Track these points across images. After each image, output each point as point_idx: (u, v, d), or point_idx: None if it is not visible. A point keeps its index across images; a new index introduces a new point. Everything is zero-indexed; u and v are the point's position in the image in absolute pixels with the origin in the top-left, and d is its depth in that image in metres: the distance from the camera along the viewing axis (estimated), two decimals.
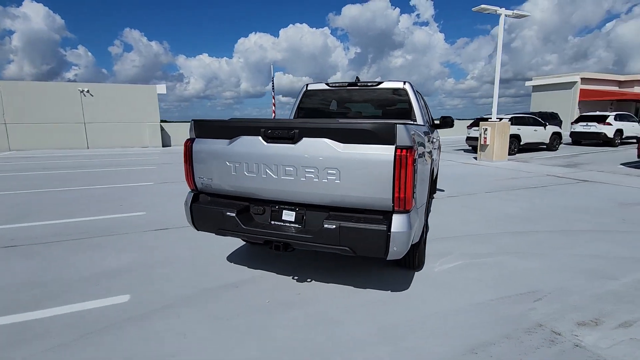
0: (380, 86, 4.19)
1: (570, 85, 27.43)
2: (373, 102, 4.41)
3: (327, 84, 4.43)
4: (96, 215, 5.23)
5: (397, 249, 2.34)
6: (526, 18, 11.98)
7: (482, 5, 10.99)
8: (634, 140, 16.74)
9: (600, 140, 15.88)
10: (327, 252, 3.04)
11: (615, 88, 28.70)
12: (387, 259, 2.42)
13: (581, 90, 26.91)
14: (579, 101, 26.94)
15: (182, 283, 3.09)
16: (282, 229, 2.65)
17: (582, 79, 27.01)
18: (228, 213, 2.72)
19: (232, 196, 2.85)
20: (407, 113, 4.06)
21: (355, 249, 2.42)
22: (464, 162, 11.70)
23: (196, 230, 3.02)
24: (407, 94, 4.08)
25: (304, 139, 2.46)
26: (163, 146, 18.73)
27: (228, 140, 2.72)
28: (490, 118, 11.95)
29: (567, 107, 27.10)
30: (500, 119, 11.94)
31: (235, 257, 3.65)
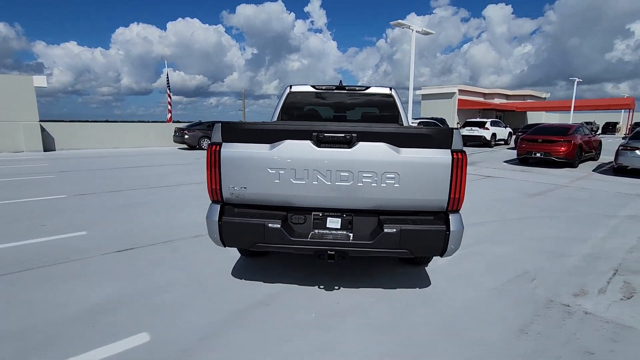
0: (368, 91, 4.32)
1: (450, 95, 32.16)
2: (360, 106, 4.51)
3: (313, 86, 4.36)
4: (21, 240, 4.12)
5: (453, 247, 2.49)
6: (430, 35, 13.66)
7: (399, 20, 12.14)
8: (503, 142, 20.57)
9: (481, 142, 19.05)
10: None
11: (481, 99, 34.73)
12: (443, 257, 2.54)
13: (459, 100, 31.79)
14: (458, 109, 31.79)
15: (203, 309, 2.70)
16: (335, 238, 2.54)
17: (459, 90, 31.96)
18: (271, 225, 2.49)
19: (265, 206, 2.61)
20: (395, 118, 4.28)
21: (414, 251, 2.49)
22: None
23: (223, 247, 2.67)
24: (394, 99, 4.30)
25: (361, 143, 2.42)
26: (45, 150, 15.54)
27: (269, 145, 2.48)
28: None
29: (449, 114, 31.69)
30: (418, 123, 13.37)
31: (240, 272, 3.33)
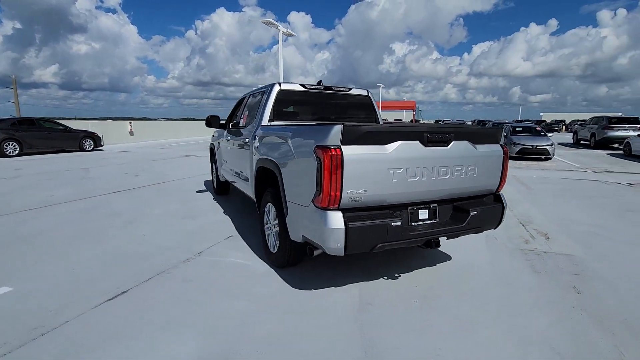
0: (350, 92, 4.56)
1: None
2: (343, 106, 4.67)
3: (302, 85, 4.26)
4: None
5: (503, 220, 3.19)
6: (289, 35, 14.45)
7: (269, 19, 12.34)
8: None
9: None
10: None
11: None
12: (496, 228, 3.22)
13: None
14: None
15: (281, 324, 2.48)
16: (430, 227, 2.81)
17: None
18: (394, 224, 2.55)
19: (373, 207, 2.62)
20: (373, 119, 4.69)
21: (484, 226, 3.05)
22: None
23: (343, 256, 2.51)
24: (371, 101, 4.70)
25: (454, 141, 2.78)
26: None
27: (384, 147, 2.52)
28: None
29: None
30: None
31: (303, 285, 3.11)
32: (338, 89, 4.49)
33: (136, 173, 9.21)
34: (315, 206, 2.52)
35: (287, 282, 3.14)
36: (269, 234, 3.55)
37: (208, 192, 7.01)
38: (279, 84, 4.14)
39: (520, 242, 4.26)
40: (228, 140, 5.21)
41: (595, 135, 17.27)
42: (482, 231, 3.12)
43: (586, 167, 10.97)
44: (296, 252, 3.21)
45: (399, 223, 2.58)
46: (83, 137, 14.75)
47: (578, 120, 34.47)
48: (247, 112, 4.80)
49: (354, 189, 2.45)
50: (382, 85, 39.41)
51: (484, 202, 3.13)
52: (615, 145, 16.80)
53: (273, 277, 3.25)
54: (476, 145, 2.92)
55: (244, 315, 2.62)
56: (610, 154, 14.71)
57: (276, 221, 3.31)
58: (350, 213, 2.51)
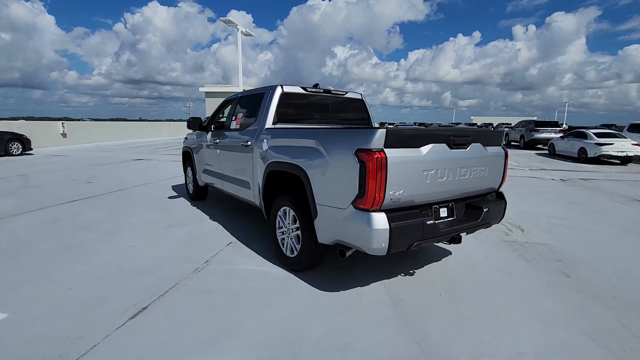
0: (346, 96, 4.65)
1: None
2: (340, 109, 4.72)
3: (304, 88, 4.25)
4: None
5: (505, 215, 3.51)
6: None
7: (229, 18, 11.99)
8: None
9: None
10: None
11: None
12: (499, 223, 3.52)
13: None
14: None
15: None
16: (450, 224, 3.01)
17: (244, 90, 33.71)
18: (428, 222, 2.70)
19: (405, 207, 2.75)
20: (368, 122, 4.84)
21: (492, 222, 3.33)
22: None
23: (384, 255, 2.58)
24: (365, 104, 4.83)
25: (472, 144, 3.02)
26: None
27: (419, 149, 2.66)
28: None
29: None
30: None
31: (332, 288, 3.12)
32: (336, 92, 4.56)
33: (87, 179, 8.37)
34: (357, 208, 2.57)
35: (313, 285, 3.14)
36: (283, 238, 3.51)
37: (181, 197, 6.63)
38: (281, 86, 4.10)
39: (502, 235, 4.69)
40: (216, 143, 5.00)
41: (525, 137, 19.42)
42: (490, 226, 3.40)
43: (523, 166, 12.30)
44: (320, 255, 3.22)
45: (432, 221, 2.74)
46: (9, 140, 12.97)
47: (504, 123, 38.49)
48: (239, 114, 4.66)
49: (395, 190, 2.55)
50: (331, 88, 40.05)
51: (490, 199, 3.42)
52: (540, 146, 19.07)
53: (296, 281, 3.22)
54: (487, 147, 3.19)
55: (287, 321, 2.57)
56: (538, 154, 16.67)
57: (295, 225, 3.29)
58: (390, 214, 2.61)
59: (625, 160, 13.28)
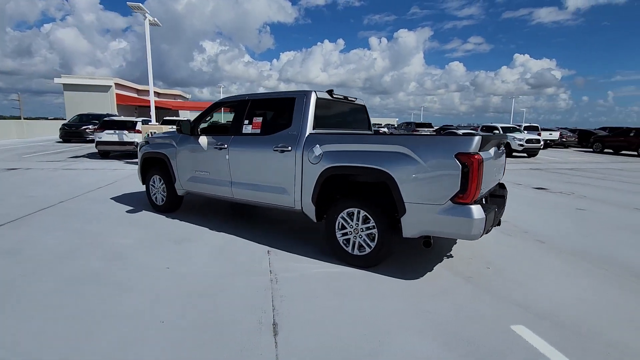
0: (356, 102, 4.98)
1: (106, 88, 28.86)
2: (352, 114, 4.97)
3: (330, 95, 4.38)
4: None
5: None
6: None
7: (138, 4, 10.58)
8: None
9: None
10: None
11: (136, 95, 33.72)
12: None
13: (117, 94, 29.26)
14: (117, 104, 29.26)
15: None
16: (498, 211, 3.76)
17: (115, 84, 29.31)
18: (497, 210, 3.38)
19: (479, 200, 3.36)
20: (367, 126, 5.26)
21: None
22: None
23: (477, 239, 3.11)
24: (366, 110, 5.24)
25: (502, 148, 3.84)
26: None
27: (488, 152, 3.31)
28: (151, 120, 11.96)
29: (108, 108, 28.56)
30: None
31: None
32: (352, 99, 4.88)
33: None
34: (456, 203, 3.05)
35: (394, 277, 3.45)
36: (348, 239, 3.68)
37: (144, 210, 5.78)
38: (314, 92, 4.19)
39: None
40: (222, 147, 4.64)
41: None
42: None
43: None
44: (391, 248, 3.60)
45: (496, 209, 3.43)
46: None
47: (388, 124, 44.64)
48: (257, 119, 4.49)
49: (481, 185, 3.14)
50: (222, 85, 38.69)
51: (499, 189, 4.34)
52: None
53: (374, 276, 3.46)
54: (501, 148, 4.08)
55: (419, 304, 2.87)
56: None
57: (367, 224, 3.54)
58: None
59: None
